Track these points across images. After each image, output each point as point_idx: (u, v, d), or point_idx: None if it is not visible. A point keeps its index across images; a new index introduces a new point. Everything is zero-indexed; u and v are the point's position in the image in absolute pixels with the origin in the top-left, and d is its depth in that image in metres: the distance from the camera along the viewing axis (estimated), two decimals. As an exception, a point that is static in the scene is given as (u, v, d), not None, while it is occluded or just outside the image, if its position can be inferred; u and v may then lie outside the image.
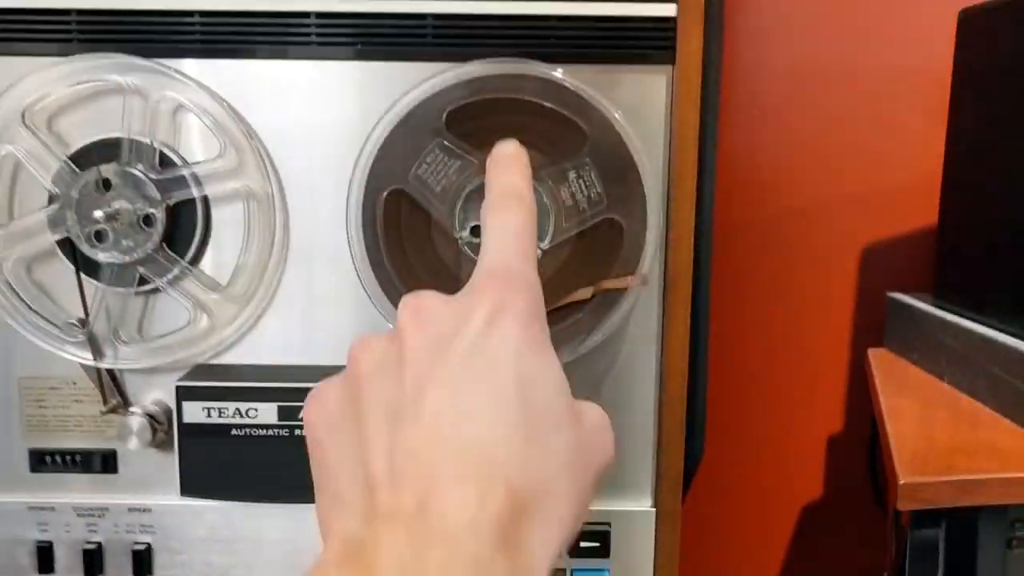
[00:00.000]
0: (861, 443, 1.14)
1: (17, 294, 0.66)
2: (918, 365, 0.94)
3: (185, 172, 0.65)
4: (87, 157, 0.65)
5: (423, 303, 0.38)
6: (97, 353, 0.67)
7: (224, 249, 0.67)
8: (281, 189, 0.67)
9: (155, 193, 0.65)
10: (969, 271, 0.89)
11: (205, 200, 0.66)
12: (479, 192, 0.64)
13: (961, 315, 0.88)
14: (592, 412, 0.38)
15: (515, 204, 0.43)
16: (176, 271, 0.66)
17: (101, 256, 0.65)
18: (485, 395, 0.34)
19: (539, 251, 0.64)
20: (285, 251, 0.67)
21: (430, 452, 0.33)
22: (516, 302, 0.36)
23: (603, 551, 0.70)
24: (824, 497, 1.18)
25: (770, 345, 1.15)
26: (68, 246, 0.66)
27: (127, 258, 0.65)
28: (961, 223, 0.91)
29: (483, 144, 0.64)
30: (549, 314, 0.66)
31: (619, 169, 0.64)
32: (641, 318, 0.68)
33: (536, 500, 0.33)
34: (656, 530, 0.70)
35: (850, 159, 1.11)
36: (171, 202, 0.65)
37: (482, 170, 0.63)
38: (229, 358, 0.69)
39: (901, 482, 0.65)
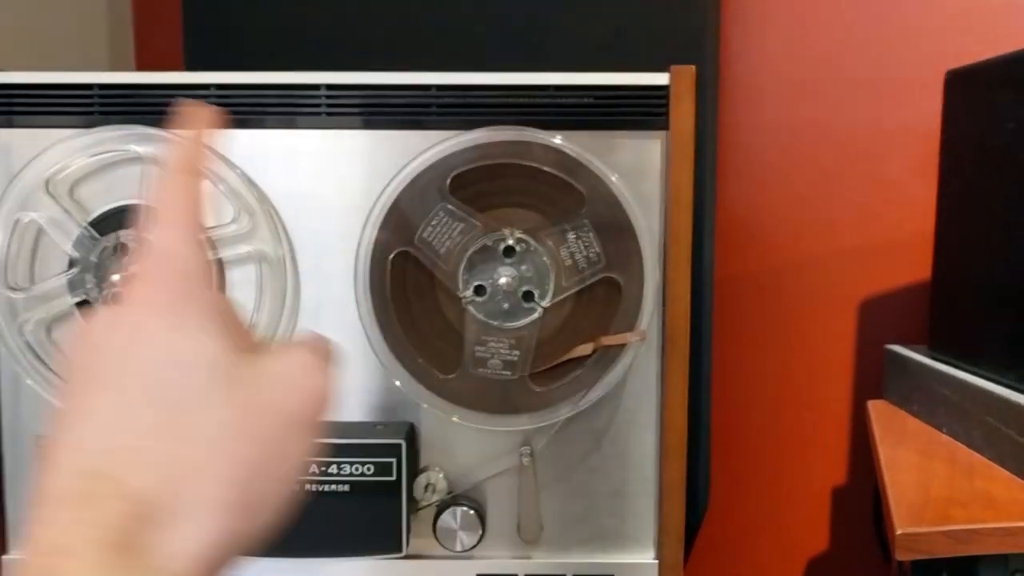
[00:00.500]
0: (866, 494, 1.14)
1: (36, 354, 0.69)
2: (917, 416, 0.95)
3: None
4: (106, 223, 0.68)
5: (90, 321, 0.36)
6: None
7: (237, 309, 0.69)
8: (292, 252, 0.69)
9: (171, 257, 0.67)
10: (963, 324, 0.91)
11: (219, 263, 0.69)
12: (482, 253, 0.66)
13: (956, 367, 0.89)
14: (279, 362, 0.36)
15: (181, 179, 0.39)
16: (190, 331, 0.68)
17: (118, 318, 0.67)
18: (107, 403, 0.33)
19: (540, 309, 0.67)
20: (296, 311, 0.70)
21: (54, 477, 0.32)
22: (144, 291, 0.35)
23: (607, 604, 0.71)
24: (830, 549, 1.18)
25: (772, 398, 1.16)
26: (86, 308, 0.68)
27: (143, 319, 0.67)
28: (954, 277, 0.93)
29: (486, 207, 0.67)
30: (551, 369, 0.69)
31: (617, 230, 0.67)
32: (641, 373, 0.70)
33: (170, 497, 0.32)
34: (659, 583, 0.71)
35: (846, 215, 1.14)
36: (187, 265, 0.68)
37: (485, 231, 0.66)
38: (240, 415, 0.71)
39: (898, 532, 0.66)
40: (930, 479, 0.77)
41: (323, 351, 0.38)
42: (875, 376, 1.12)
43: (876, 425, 0.94)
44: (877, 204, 1.13)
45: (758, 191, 1.14)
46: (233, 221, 0.68)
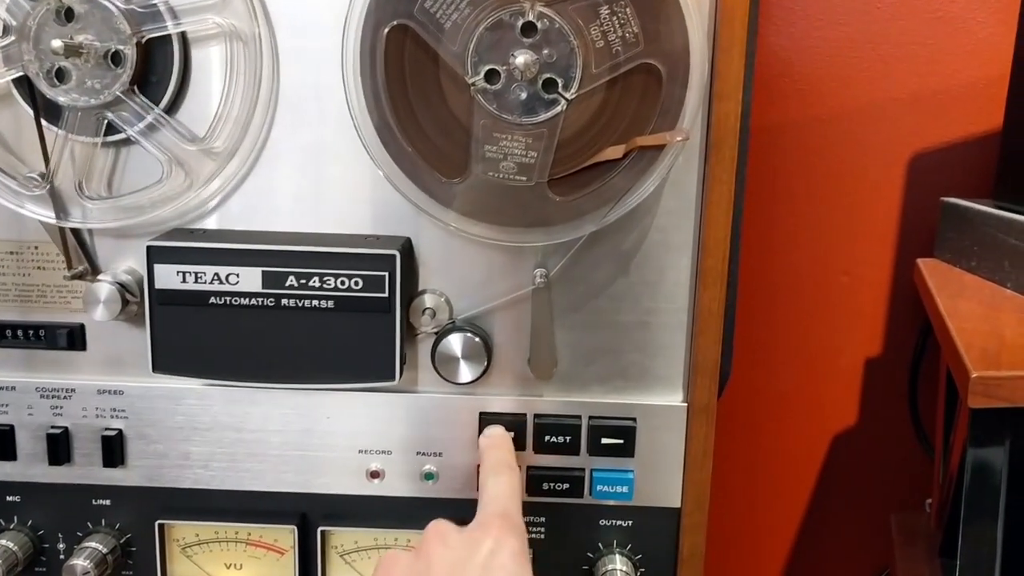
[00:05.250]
0: (902, 368, 1.06)
1: (-32, 141, 0.59)
2: (976, 273, 0.86)
3: (159, 2, 0.57)
4: (46, -19, 0.57)
5: (443, 529, 0.53)
6: (61, 211, 0.59)
7: (204, 97, 0.59)
8: (270, 28, 0.58)
9: (124, 26, 0.56)
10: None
11: (183, 38, 0.58)
12: (495, 30, 0.55)
13: (1028, 214, 0.79)
14: None
15: (508, 471, 0.57)
16: (149, 119, 0.58)
17: (62, 98, 0.57)
18: None
19: (564, 101, 0.56)
20: (274, 100, 0.59)
21: None
22: (511, 542, 0.50)
23: (627, 449, 0.62)
24: (859, 425, 1.11)
25: (805, 260, 1.06)
26: (26, 86, 0.58)
27: (92, 100, 0.57)
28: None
29: (502, -28, 0.55)
30: (574, 175, 0.58)
31: (659, 6, 0.55)
32: (678, 184, 0.60)
33: None
34: (688, 427, 0.62)
35: (901, 59, 1.02)
36: (143, 38, 0.57)
37: (500, 3, 0.55)
38: (211, 223, 0.61)
39: (973, 375, 0.57)
40: (1000, 327, 0.68)
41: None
42: (921, 239, 1.02)
43: (931, 280, 0.84)
44: (938, 47, 1.01)
45: (802, 31, 1.02)
46: (197, -15, 0.57)
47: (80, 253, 0.61)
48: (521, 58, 0.55)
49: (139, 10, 0.56)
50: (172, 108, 0.59)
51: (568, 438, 0.62)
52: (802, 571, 1.10)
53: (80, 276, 0.60)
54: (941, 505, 0.83)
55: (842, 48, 1.03)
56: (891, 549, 0.94)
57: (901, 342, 1.06)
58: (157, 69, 0.58)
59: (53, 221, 0.59)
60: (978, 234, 0.86)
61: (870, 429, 1.10)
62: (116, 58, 0.57)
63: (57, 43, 0.55)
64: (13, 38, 0.56)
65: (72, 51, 0.55)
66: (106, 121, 0.58)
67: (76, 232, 0.61)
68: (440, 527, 0.53)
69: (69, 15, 0.56)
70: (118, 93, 0.57)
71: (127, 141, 0.59)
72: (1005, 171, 0.87)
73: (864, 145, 1.04)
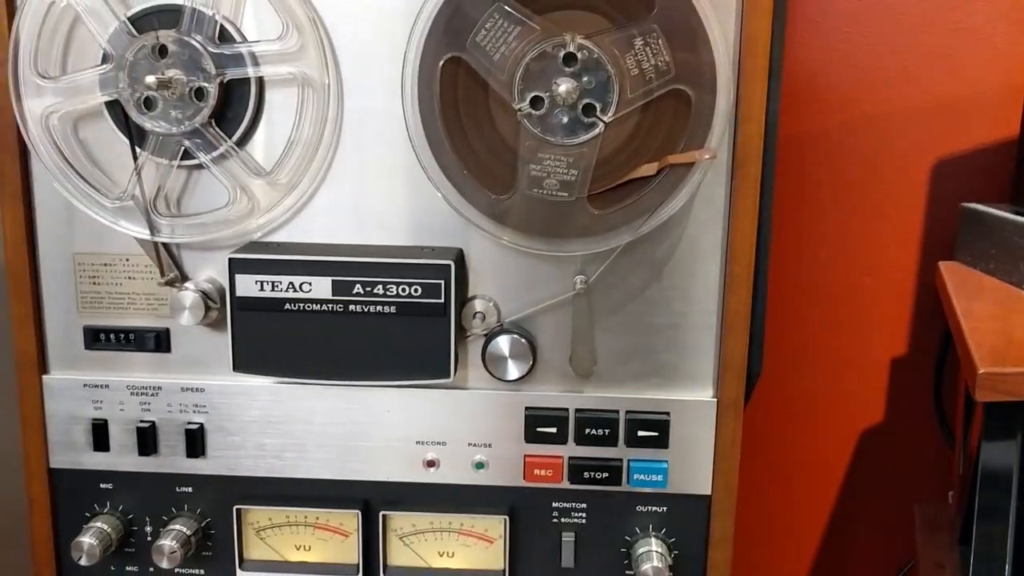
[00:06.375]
0: (927, 367, 1.10)
1: (62, 153, 0.65)
2: (993, 275, 0.90)
3: (243, 49, 0.63)
4: (147, 21, 0.63)
5: None
6: (154, 228, 0.66)
7: (273, 132, 0.65)
8: (339, 74, 0.64)
9: (210, 67, 0.63)
10: (1054, 173, 0.84)
11: (260, 81, 0.64)
12: (539, 61, 0.61)
13: (1043, 219, 0.83)
14: None
15: None
16: (222, 149, 0.64)
17: (148, 124, 0.63)
18: None
19: (602, 124, 0.62)
20: (338, 131, 0.65)
21: None
22: None
23: (662, 441, 0.68)
24: (885, 423, 1.14)
25: (833, 262, 1.10)
26: (118, 112, 0.64)
27: (174, 129, 0.63)
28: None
29: (545, 9, 0.61)
30: (611, 191, 0.64)
31: (688, 37, 0.61)
32: (707, 197, 0.65)
33: None
34: (717, 420, 0.68)
35: (924, 67, 1.05)
36: (225, 79, 0.63)
37: (543, 36, 0.61)
38: (280, 236, 0.67)
39: (980, 371, 0.61)
40: (1011, 327, 0.72)
41: None
42: (944, 242, 1.05)
43: (949, 282, 0.88)
44: (960, 55, 1.05)
45: (828, 42, 1.06)
46: (279, 38, 0.63)
47: (171, 262, 0.68)
48: (563, 86, 0.60)
49: (226, 54, 0.63)
50: (243, 141, 0.65)
51: (607, 431, 0.68)
52: (831, 559, 1.14)
53: (172, 283, 0.67)
54: (960, 496, 0.88)
55: (866, 58, 1.06)
56: (915, 539, 0.98)
57: (925, 340, 1.09)
58: (233, 105, 0.65)
59: (145, 237, 0.66)
60: (996, 238, 0.90)
61: (896, 425, 1.13)
62: (199, 94, 0.63)
63: (151, 79, 0.62)
64: (111, 66, 0.63)
65: (163, 85, 0.62)
66: (183, 148, 0.64)
67: (165, 244, 0.67)
68: None
69: (163, 51, 0.63)
70: (197, 125, 0.64)
71: (200, 166, 0.65)
72: (1022, 177, 0.91)
73: (888, 152, 1.07)
